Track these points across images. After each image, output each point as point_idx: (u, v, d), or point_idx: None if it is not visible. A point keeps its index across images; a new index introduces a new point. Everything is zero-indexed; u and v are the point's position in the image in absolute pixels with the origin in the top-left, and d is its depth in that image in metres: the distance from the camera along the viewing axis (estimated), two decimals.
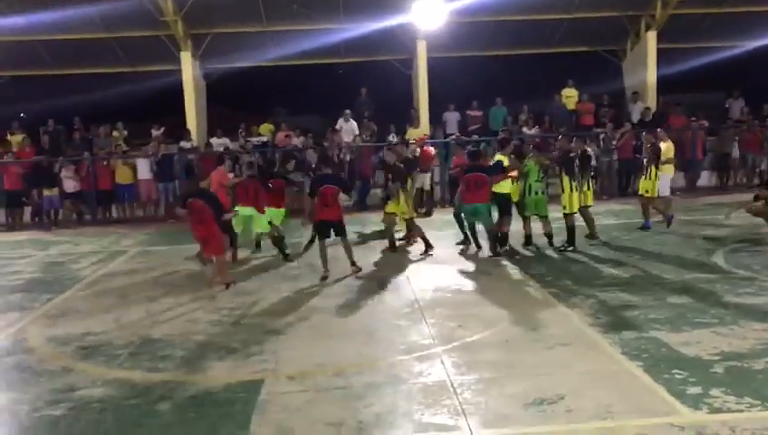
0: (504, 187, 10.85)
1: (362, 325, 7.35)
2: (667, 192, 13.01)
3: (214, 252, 9.34)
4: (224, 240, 9.70)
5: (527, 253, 10.85)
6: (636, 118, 19.41)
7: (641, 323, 6.93)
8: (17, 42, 19.37)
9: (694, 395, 5.13)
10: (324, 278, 9.50)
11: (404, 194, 11.01)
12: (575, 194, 10.95)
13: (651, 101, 19.98)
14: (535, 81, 22.11)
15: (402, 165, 11.50)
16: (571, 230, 10.95)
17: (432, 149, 16.59)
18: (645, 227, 12.38)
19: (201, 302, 8.68)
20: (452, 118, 19.98)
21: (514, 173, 10.95)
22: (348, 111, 19.05)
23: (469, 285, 9.05)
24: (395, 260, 10.76)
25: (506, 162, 10.90)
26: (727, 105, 20.26)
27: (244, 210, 10.67)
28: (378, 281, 9.41)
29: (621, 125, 18.46)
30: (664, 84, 20.67)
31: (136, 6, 17.82)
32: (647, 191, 12.42)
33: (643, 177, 12.58)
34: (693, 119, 18.79)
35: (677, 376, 5.50)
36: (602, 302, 7.77)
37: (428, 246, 11.02)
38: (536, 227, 11.24)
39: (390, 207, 11.13)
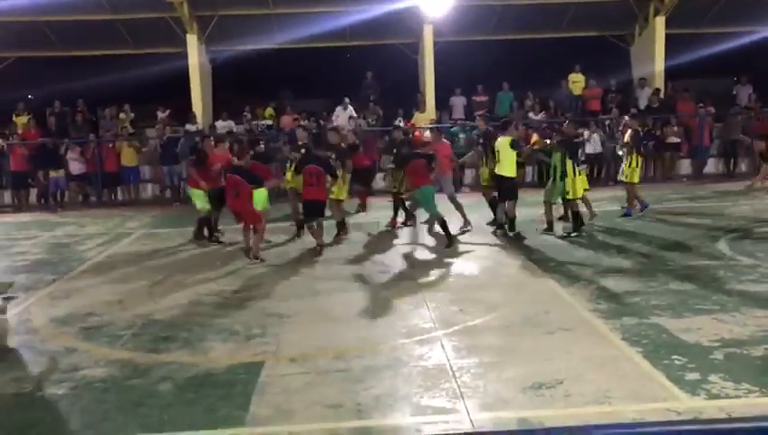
0: (508, 170, 10.81)
1: (364, 309, 7.38)
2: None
3: (252, 222, 9.89)
4: (259, 214, 10.12)
5: (528, 238, 10.82)
6: (643, 104, 19.31)
7: (642, 309, 6.94)
8: (23, 22, 19.36)
9: (692, 381, 5.14)
10: (320, 250, 10.05)
11: (341, 176, 11.28)
12: (578, 178, 10.92)
13: (659, 86, 19.84)
14: (542, 65, 21.96)
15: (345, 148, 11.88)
16: (576, 215, 10.93)
17: (427, 134, 16.46)
18: (626, 215, 12.43)
19: (204, 284, 8.72)
20: (458, 102, 19.92)
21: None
22: (346, 99, 18.99)
23: (471, 269, 9.06)
24: (397, 245, 10.77)
25: (511, 145, 10.81)
26: (735, 92, 20.10)
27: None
28: (379, 265, 9.43)
29: (628, 111, 18.36)
30: (672, 70, 20.51)
31: None
32: (626, 177, 12.47)
33: (625, 163, 12.53)
34: (701, 105, 18.67)
35: (677, 362, 5.51)
36: (604, 288, 7.76)
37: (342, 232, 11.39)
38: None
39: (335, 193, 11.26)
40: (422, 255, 10.06)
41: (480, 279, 8.54)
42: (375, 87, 20.50)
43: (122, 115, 19.32)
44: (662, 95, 19.55)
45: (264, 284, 8.66)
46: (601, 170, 17.99)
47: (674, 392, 4.99)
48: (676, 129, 17.91)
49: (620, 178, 12.81)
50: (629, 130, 12.79)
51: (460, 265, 9.25)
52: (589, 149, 17.71)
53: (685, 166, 18.61)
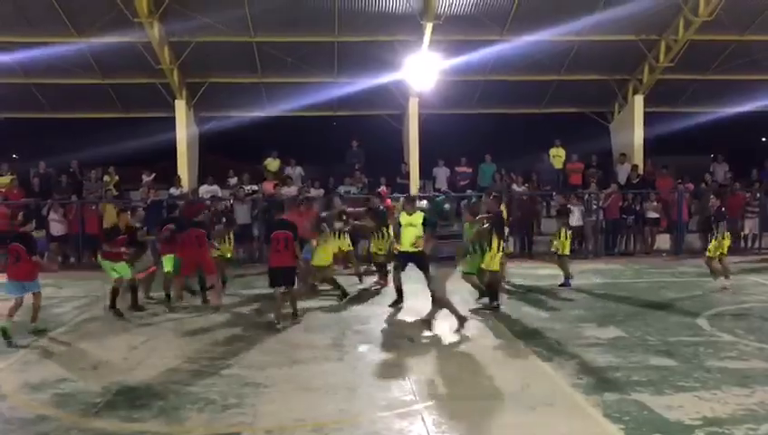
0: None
1: (343, 379, 7.28)
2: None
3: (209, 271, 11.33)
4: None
5: (509, 310, 10.81)
6: (623, 179, 19.67)
7: (624, 384, 6.91)
8: (13, 84, 19.56)
9: None
10: (278, 330, 9.50)
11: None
12: (499, 254, 10.93)
13: (638, 162, 20.28)
14: (524, 139, 22.48)
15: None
16: (491, 288, 10.97)
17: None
18: (565, 285, 12.79)
19: (181, 351, 8.58)
20: (441, 173, 20.22)
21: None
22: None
23: (452, 340, 8.99)
24: (378, 313, 10.70)
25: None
26: (712, 169, 20.59)
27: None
28: (361, 335, 9.35)
29: (607, 186, 18.71)
30: (650, 147, 21.06)
31: (133, 54, 18.09)
32: (558, 249, 13.01)
33: (555, 236, 13.16)
34: (679, 181, 19.06)
35: None
36: (585, 362, 7.74)
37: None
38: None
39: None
40: (403, 324, 9.98)
41: (461, 350, 8.47)
42: (360, 156, 20.79)
43: (107, 177, 19.34)
44: (641, 171, 19.96)
45: (241, 351, 8.53)
46: (582, 243, 18.14)
47: None
48: (655, 204, 18.21)
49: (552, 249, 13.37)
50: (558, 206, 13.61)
51: (441, 336, 9.18)
52: (572, 221, 17.94)
53: (664, 240, 18.82)
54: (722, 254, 12.56)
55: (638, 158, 20.53)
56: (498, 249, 10.84)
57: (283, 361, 8.04)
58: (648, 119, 20.84)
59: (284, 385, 7.16)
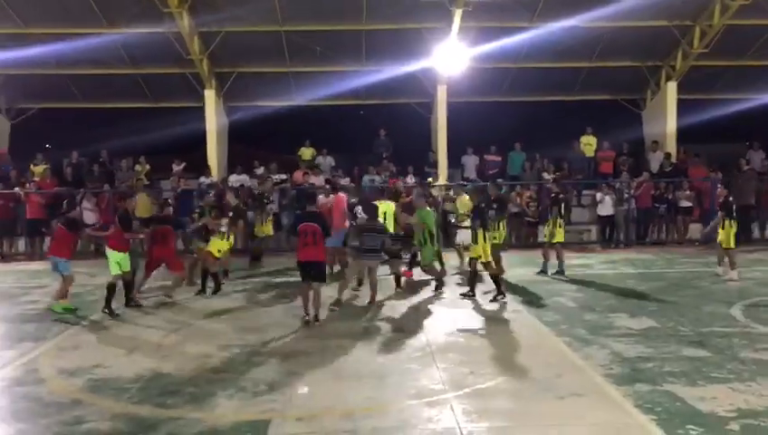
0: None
1: (372, 368, 7.30)
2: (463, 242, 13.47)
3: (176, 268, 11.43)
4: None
5: (540, 300, 10.74)
6: (655, 167, 19.39)
7: (656, 375, 6.82)
8: (46, 75, 19.87)
9: None
10: (306, 323, 9.16)
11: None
12: (487, 245, 10.80)
13: (671, 150, 19.96)
14: (555, 127, 22.21)
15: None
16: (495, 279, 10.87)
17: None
18: (542, 272, 13.10)
19: (213, 338, 8.68)
20: (470, 162, 20.11)
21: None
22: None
23: (482, 330, 8.97)
24: (407, 303, 10.71)
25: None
26: (748, 157, 20.16)
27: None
28: (390, 323, 9.37)
29: (639, 174, 18.46)
30: (683, 134, 20.69)
31: (163, 44, 18.24)
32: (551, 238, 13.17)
33: (547, 225, 13.37)
34: (712, 169, 18.73)
35: (692, 432, 5.39)
36: (616, 353, 7.66)
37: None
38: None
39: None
40: (433, 314, 9.97)
41: (491, 341, 8.43)
42: (388, 145, 20.76)
43: (138, 167, 19.56)
44: (674, 159, 19.65)
45: (272, 339, 8.59)
46: (613, 232, 17.97)
47: None
48: (687, 193, 17.93)
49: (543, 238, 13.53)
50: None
51: (471, 325, 9.16)
52: (602, 211, 17.80)
53: (696, 230, 18.53)
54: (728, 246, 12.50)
55: (671, 145, 20.21)
56: (485, 240, 10.72)
57: (313, 349, 8.08)
58: (681, 106, 20.47)
59: (314, 373, 7.19)
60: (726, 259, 12.53)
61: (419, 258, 12.05)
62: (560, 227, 13.06)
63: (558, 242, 13.05)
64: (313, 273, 9.32)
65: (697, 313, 9.66)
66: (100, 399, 6.50)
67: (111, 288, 10.28)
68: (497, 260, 11.42)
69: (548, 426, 5.59)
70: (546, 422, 5.67)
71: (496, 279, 10.78)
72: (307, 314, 9.29)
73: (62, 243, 10.48)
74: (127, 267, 10.58)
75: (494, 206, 11.53)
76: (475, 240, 10.79)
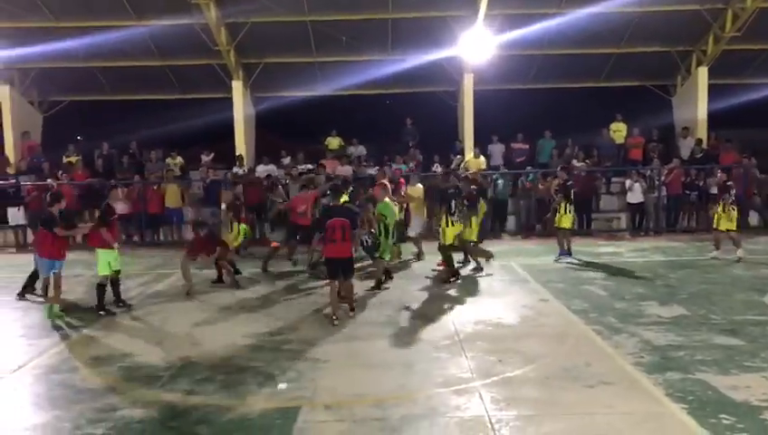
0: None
1: (401, 356, 7.32)
2: (415, 231, 13.94)
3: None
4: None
5: (568, 288, 10.67)
6: (685, 154, 19.10)
7: (687, 364, 6.75)
8: (75, 68, 20.14)
9: None
10: (335, 324, 8.73)
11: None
12: (450, 229, 11.24)
13: (702, 136, 19.63)
14: (582, 114, 21.95)
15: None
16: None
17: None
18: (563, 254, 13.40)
19: (241, 327, 8.76)
20: (497, 150, 19.97)
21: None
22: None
23: (510, 318, 8.93)
24: (435, 291, 10.71)
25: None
26: None
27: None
28: (417, 312, 9.37)
29: (669, 161, 18.20)
30: (714, 120, 20.31)
31: (190, 35, 18.38)
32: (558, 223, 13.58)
33: (560, 211, 13.56)
34: (744, 156, 18.39)
35: (725, 421, 5.33)
36: (647, 341, 7.58)
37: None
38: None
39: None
40: (461, 302, 9.95)
41: (519, 329, 8.41)
42: (414, 133, 20.73)
43: (170, 160, 19.71)
44: (705, 145, 19.32)
45: (300, 328, 8.66)
46: (643, 220, 17.76)
47: None
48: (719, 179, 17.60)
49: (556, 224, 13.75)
50: (557, 180, 14.09)
51: (499, 314, 9.12)
52: (631, 198, 17.60)
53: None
54: (729, 229, 13.02)
55: (702, 131, 19.87)
56: (447, 224, 11.21)
57: (341, 337, 8.13)
58: (712, 91, 20.09)
59: (342, 361, 7.24)
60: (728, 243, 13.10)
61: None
62: (567, 213, 13.38)
63: (565, 228, 13.40)
64: (343, 269, 8.98)
65: (729, 301, 9.52)
66: (131, 386, 6.61)
67: (101, 288, 9.83)
68: (455, 249, 11.71)
69: (577, 414, 5.56)
70: (575, 411, 5.64)
71: (449, 261, 11.28)
72: (335, 316, 8.74)
73: (43, 242, 9.76)
74: (117, 266, 10.04)
75: (466, 202, 11.89)
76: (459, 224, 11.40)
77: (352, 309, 9.16)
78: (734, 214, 13.10)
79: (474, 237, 12.38)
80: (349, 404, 5.94)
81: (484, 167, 18.49)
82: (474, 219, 12.26)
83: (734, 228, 13.06)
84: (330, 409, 5.87)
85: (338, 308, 8.93)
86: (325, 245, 8.98)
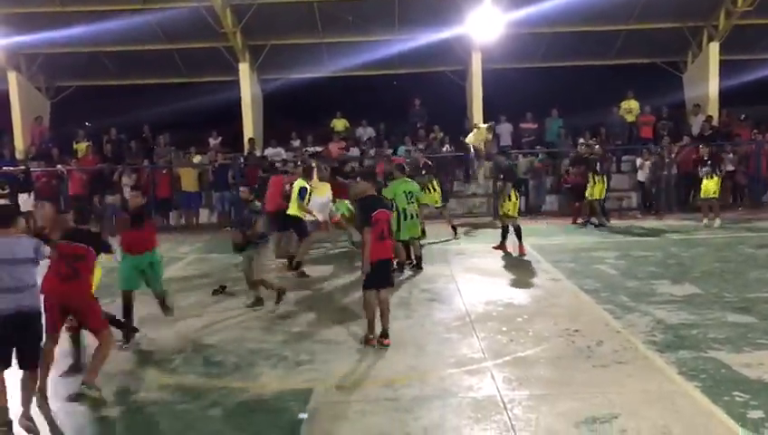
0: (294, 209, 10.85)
1: (412, 337, 7.33)
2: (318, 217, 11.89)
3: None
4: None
5: (580, 268, 10.63)
6: (696, 131, 18.93)
7: (699, 342, 6.73)
8: (84, 53, 20.11)
9: (755, 419, 4.95)
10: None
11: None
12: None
13: (713, 113, 19.43)
14: (592, 92, 21.76)
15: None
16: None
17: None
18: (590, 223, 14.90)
19: (253, 310, 8.78)
20: (505, 130, 19.85)
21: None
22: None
23: (521, 298, 8.91)
24: (445, 273, 10.70)
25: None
26: None
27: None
28: (428, 293, 9.37)
29: (680, 138, 18.04)
30: (727, 96, 20.09)
31: (196, 18, 18.27)
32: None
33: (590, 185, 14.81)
34: (756, 132, 18.21)
35: (738, 399, 5.31)
36: (659, 320, 7.56)
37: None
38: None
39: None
40: (471, 283, 9.94)
41: (531, 309, 8.39)
42: (423, 115, 20.61)
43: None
44: (716, 122, 19.13)
45: (312, 309, 8.68)
46: (653, 199, 17.66)
47: (736, 431, 4.80)
48: (731, 156, 17.47)
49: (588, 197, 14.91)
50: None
51: (510, 294, 9.11)
52: (641, 177, 17.50)
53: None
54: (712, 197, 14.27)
55: (714, 108, 19.65)
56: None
57: (353, 319, 8.13)
58: (724, 67, 19.83)
59: (354, 342, 7.25)
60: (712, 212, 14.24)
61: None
62: (598, 183, 14.46)
63: (597, 199, 14.54)
64: (388, 275, 7.32)
65: (742, 278, 9.47)
66: (145, 369, 6.66)
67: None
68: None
69: (590, 394, 5.55)
70: (588, 390, 5.64)
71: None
72: (371, 334, 7.17)
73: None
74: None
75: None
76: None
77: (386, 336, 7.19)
78: (716, 182, 14.27)
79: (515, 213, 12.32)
80: (361, 385, 5.96)
81: (490, 138, 18.21)
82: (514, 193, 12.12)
83: (715, 197, 14.16)
84: (342, 389, 5.89)
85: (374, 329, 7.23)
86: (373, 245, 7.07)
